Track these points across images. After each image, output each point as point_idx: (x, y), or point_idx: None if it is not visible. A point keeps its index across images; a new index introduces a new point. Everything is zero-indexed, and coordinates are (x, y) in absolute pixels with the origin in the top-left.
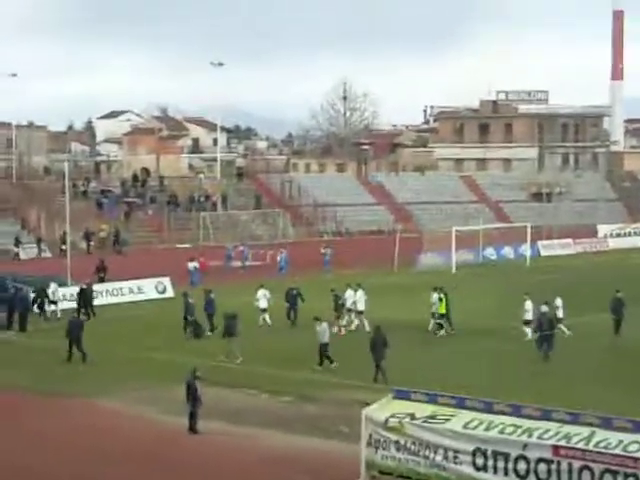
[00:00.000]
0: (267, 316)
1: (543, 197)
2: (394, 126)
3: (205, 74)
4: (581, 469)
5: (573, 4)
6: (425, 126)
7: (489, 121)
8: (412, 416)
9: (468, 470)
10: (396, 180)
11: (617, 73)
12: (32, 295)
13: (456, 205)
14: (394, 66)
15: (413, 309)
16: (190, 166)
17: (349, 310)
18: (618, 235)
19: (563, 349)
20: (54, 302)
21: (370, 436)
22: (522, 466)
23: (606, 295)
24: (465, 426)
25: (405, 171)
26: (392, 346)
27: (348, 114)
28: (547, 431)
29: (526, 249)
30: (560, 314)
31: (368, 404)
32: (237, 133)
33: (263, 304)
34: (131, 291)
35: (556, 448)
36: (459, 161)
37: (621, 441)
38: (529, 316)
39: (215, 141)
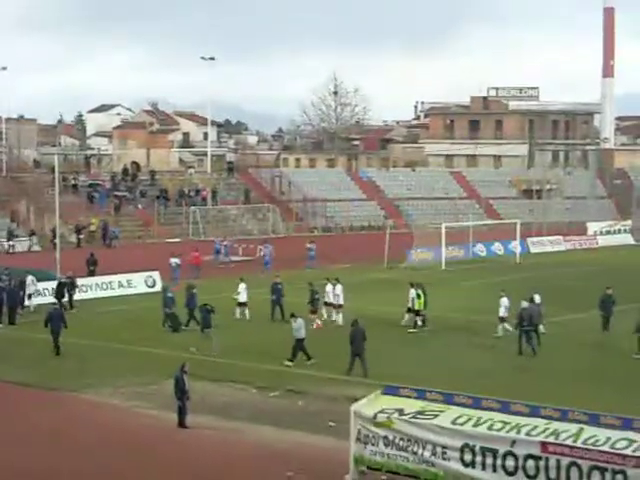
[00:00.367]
0: (247, 310)
1: (533, 194)
2: (385, 122)
3: (196, 69)
4: (569, 466)
5: (564, 1)
6: (416, 122)
7: (479, 117)
8: (401, 412)
9: (456, 466)
10: (386, 176)
11: (608, 70)
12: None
13: (446, 201)
14: (385, 63)
15: (401, 304)
16: (180, 160)
17: (327, 304)
18: (608, 232)
19: (549, 345)
20: (29, 296)
21: (359, 431)
22: (510, 462)
23: (595, 292)
24: (453, 422)
25: (395, 167)
26: (378, 341)
27: (339, 109)
28: (535, 427)
29: (516, 246)
30: (504, 313)
31: (357, 399)
32: (228, 128)
33: (243, 298)
34: (121, 285)
35: (544, 445)
36: (449, 157)
37: (609, 438)
38: (504, 312)
39: (205, 135)
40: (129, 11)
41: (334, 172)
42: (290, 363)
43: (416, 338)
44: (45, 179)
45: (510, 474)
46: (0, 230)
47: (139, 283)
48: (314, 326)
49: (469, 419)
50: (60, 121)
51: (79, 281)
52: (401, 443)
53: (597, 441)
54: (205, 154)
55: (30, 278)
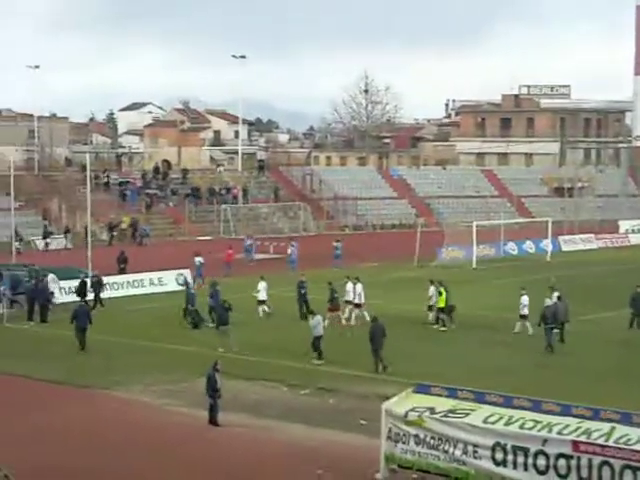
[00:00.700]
0: (266, 307)
1: (565, 192)
2: (416, 120)
3: (227, 67)
4: (601, 465)
5: None
6: (447, 120)
7: (511, 115)
8: (432, 410)
9: (487, 465)
10: (417, 174)
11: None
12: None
13: (477, 199)
14: (416, 61)
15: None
16: (211, 159)
17: (348, 303)
18: None
19: (577, 343)
20: (51, 294)
21: (390, 430)
22: (542, 461)
23: (626, 290)
24: (485, 421)
25: (426, 165)
26: (400, 338)
27: (370, 107)
28: (567, 426)
29: (547, 244)
30: (525, 311)
31: (388, 398)
32: (259, 126)
33: (262, 296)
34: (152, 283)
35: (576, 444)
36: (480, 155)
37: None
38: (525, 310)
39: (236, 134)
40: (161, 10)
41: (365, 170)
42: (319, 361)
43: (440, 335)
44: (77, 177)
45: (541, 473)
46: (33, 228)
47: (170, 281)
48: (343, 322)
49: (500, 418)
50: (92, 119)
51: (110, 279)
52: (432, 442)
53: (629, 440)
54: (236, 152)
55: (51, 276)
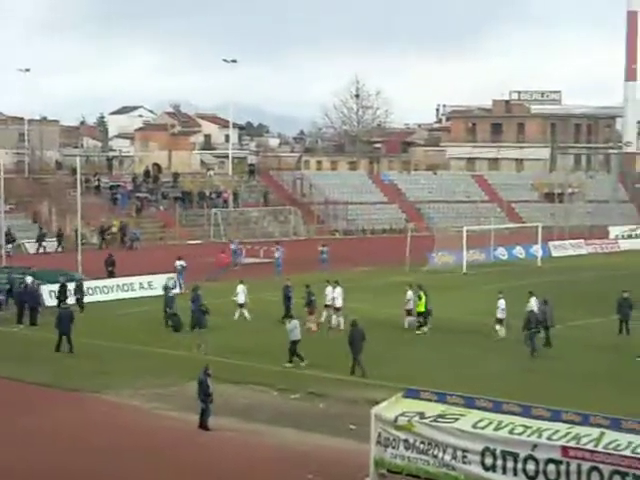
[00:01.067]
0: (245, 311)
1: (555, 197)
2: (406, 125)
3: (218, 71)
4: (590, 470)
5: (588, 5)
6: (437, 125)
7: (502, 121)
8: (421, 415)
9: (477, 470)
10: (408, 179)
11: (631, 74)
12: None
13: (468, 205)
14: (407, 66)
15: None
16: (202, 163)
17: (327, 306)
18: (629, 236)
19: (563, 348)
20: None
21: (379, 434)
22: (531, 467)
23: (615, 296)
24: (474, 425)
25: (417, 170)
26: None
27: (360, 112)
28: (556, 432)
29: (537, 249)
30: (500, 315)
31: (377, 402)
32: (249, 130)
33: (241, 299)
34: (141, 286)
35: (565, 449)
36: (471, 160)
37: (630, 442)
38: (501, 314)
39: (227, 138)
40: (151, 14)
41: (356, 175)
42: (290, 365)
43: (427, 339)
44: (67, 180)
45: (531, 478)
46: (23, 231)
47: (160, 285)
48: (312, 328)
49: (490, 423)
50: (82, 123)
51: (99, 282)
52: (422, 446)
53: (618, 446)
54: (226, 156)
55: (29, 279)
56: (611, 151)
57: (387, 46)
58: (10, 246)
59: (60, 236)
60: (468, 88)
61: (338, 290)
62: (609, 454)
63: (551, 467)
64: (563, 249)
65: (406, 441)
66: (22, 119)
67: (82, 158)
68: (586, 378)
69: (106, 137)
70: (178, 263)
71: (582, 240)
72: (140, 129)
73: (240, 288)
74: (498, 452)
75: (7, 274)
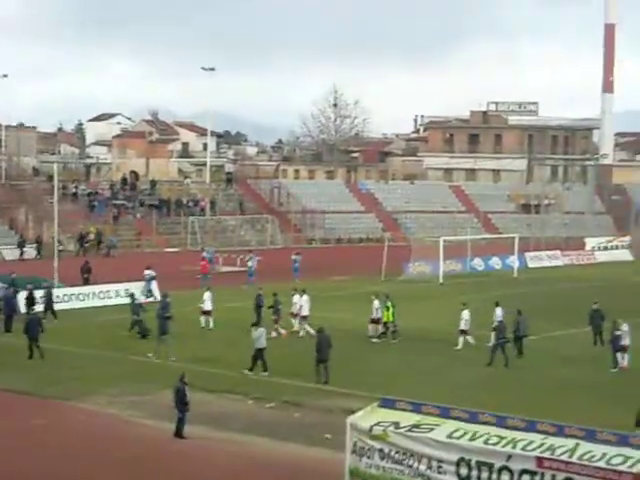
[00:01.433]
0: (211, 319)
1: (531, 209)
2: (384, 134)
3: (196, 79)
4: None
5: (565, 17)
6: (415, 135)
7: (479, 131)
8: (397, 425)
9: None
10: (385, 188)
11: (608, 86)
12: None
13: (445, 215)
14: (386, 76)
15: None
16: (180, 170)
17: (294, 315)
18: (605, 248)
19: (542, 360)
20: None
21: (354, 444)
22: (506, 477)
23: (590, 308)
24: (449, 436)
25: (394, 180)
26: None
27: (338, 121)
28: (531, 442)
29: (514, 260)
30: (465, 326)
31: (353, 412)
32: (227, 138)
33: (207, 306)
34: (117, 294)
35: (540, 460)
36: (448, 171)
37: (605, 454)
38: (465, 325)
39: (205, 146)
40: (130, 21)
41: (333, 184)
42: (250, 372)
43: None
44: (44, 187)
45: None
46: (1, 237)
47: (136, 293)
48: (283, 333)
49: (465, 433)
50: (60, 129)
51: (75, 289)
52: (397, 456)
53: (593, 457)
54: (204, 164)
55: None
56: (588, 163)
57: (366, 56)
58: None
59: (39, 243)
60: (446, 99)
61: (305, 298)
62: (584, 465)
63: (526, 478)
64: (539, 260)
65: (381, 451)
66: None
67: (59, 165)
68: (559, 389)
69: (83, 144)
70: (147, 272)
71: (558, 251)
72: (118, 136)
73: (206, 295)
74: (473, 462)
75: None
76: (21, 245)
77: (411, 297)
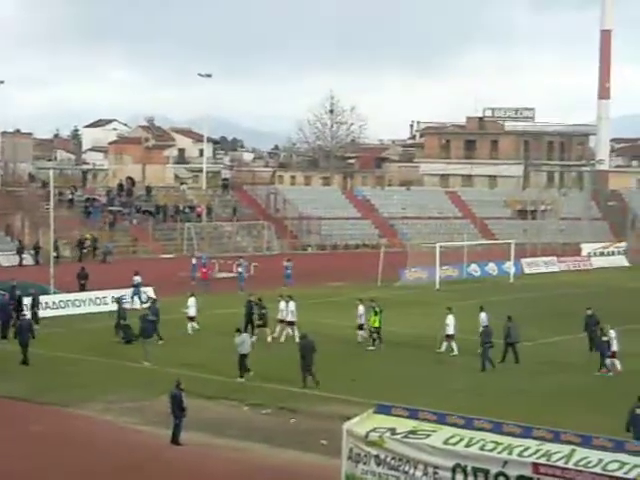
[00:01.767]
0: (195, 324)
1: (528, 214)
2: (380, 141)
3: (193, 86)
4: None
5: (562, 24)
6: (411, 141)
7: (475, 137)
8: (393, 431)
9: None
10: (381, 194)
11: (604, 92)
12: None
13: (441, 221)
14: (382, 83)
15: (388, 324)
16: (176, 176)
17: (280, 321)
18: (602, 254)
19: (537, 366)
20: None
21: (350, 450)
22: None
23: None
24: (445, 442)
25: (391, 186)
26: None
27: (335, 128)
28: (527, 448)
29: (510, 266)
30: (450, 331)
31: (349, 418)
32: (223, 144)
33: (192, 312)
34: (113, 300)
35: (536, 466)
36: (445, 177)
37: (601, 460)
38: (450, 330)
39: (201, 152)
40: (127, 28)
41: (329, 190)
42: (241, 379)
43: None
44: (40, 193)
45: None
46: None
47: (142, 298)
48: (269, 339)
49: (461, 439)
50: (56, 135)
51: (71, 295)
52: (393, 462)
53: (589, 463)
54: (200, 170)
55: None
56: (584, 169)
57: (362, 63)
58: None
59: (37, 249)
60: (442, 105)
61: (291, 305)
62: (580, 471)
63: None
64: (535, 266)
65: (377, 457)
66: None
67: (55, 171)
68: (554, 395)
69: (80, 150)
70: (135, 278)
71: (554, 257)
72: (114, 142)
73: (191, 301)
74: (469, 469)
75: None
76: (20, 251)
77: (407, 303)
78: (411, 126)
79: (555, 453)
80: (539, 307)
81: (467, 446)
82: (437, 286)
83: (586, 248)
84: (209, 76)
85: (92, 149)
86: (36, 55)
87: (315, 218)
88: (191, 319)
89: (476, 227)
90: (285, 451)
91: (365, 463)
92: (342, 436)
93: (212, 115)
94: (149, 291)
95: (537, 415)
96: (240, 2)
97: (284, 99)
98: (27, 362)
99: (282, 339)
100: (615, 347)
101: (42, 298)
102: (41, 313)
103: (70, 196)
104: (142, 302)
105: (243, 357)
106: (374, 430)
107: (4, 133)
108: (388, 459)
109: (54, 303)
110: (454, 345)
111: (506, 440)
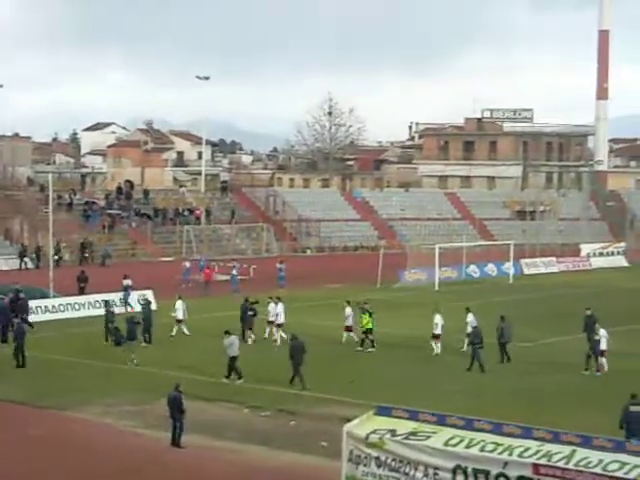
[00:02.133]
0: (184, 327)
1: (527, 215)
2: (379, 142)
3: (191, 88)
4: None
5: (562, 24)
6: (410, 143)
7: (474, 139)
8: (393, 432)
9: None
10: (380, 196)
11: (602, 92)
12: None
13: (440, 222)
14: (381, 84)
15: (384, 325)
16: (175, 179)
17: (270, 323)
18: (601, 254)
19: (535, 366)
20: None
21: (351, 452)
22: None
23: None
24: (446, 443)
25: (389, 187)
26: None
27: (333, 130)
28: (528, 449)
29: (509, 267)
30: (438, 331)
31: (349, 420)
32: (222, 147)
33: (180, 315)
34: (113, 303)
35: (536, 466)
36: (443, 178)
37: (601, 460)
38: (438, 330)
39: (200, 155)
40: (126, 31)
41: (328, 192)
42: (227, 380)
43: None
44: (39, 197)
45: None
46: None
47: (132, 302)
48: (249, 342)
49: (461, 440)
50: (55, 139)
51: (71, 299)
52: (393, 464)
53: (589, 463)
54: (199, 173)
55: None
56: (583, 169)
57: (361, 64)
58: None
59: (38, 253)
60: (441, 106)
61: (280, 307)
62: (580, 471)
63: None
64: (535, 267)
65: (378, 459)
66: None
67: (54, 175)
68: (554, 395)
69: (78, 153)
70: (125, 282)
71: (554, 258)
72: (113, 145)
73: (179, 304)
74: (469, 470)
75: None
76: (22, 255)
77: (406, 304)
78: (410, 127)
79: (555, 454)
80: (538, 308)
81: (467, 447)
82: (436, 287)
83: (585, 248)
84: (207, 78)
85: (91, 152)
86: (34, 56)
87: (314, 220)
88: (179, 322)
89: (475, 228)
90: (285, 453)
91: (365, 465)
92: (342, 438)
93: (210, 117)
94: (148, 294)
95: (536, 416)
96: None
97: (282, 101)
98: (22, 365)
99: (278, 341)
100: (604, 346)
101: (42, 302)
102: (40, 317)
103: (69, 200)
104: (131, 306)
105: (233, 359)
106: (374, 432)
107: (2, 137)
108: (388, 461)
109: (53, 307)
110: (437, 344)
111: (506, 441)
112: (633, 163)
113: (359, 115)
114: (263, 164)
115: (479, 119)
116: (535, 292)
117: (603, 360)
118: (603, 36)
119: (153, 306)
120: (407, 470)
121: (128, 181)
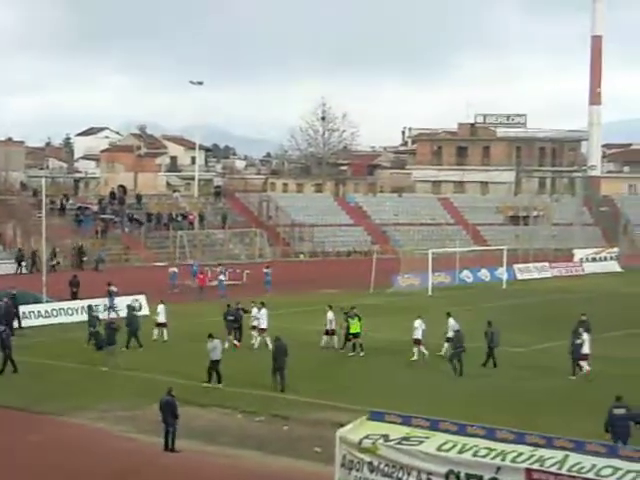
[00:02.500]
0: (165, 331)
1: (520, 220)
2: (372, 147)
3: (185, 93)
4: None
5: (554, 31)
6: (403, 148)
7: (467, 144)
8: (386, 437)
9: None
10: (374, 201)
11: (595, 98)
12: None
13: (433, 227)
14: (375, 90)
15: (376, 330)
16: (168, 184)
17: (253, 327)
18: (594, 259)
19: (527, 372)
20: None
21: (344, 457)
22: None
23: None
24: (439, 448)
25: (383, 192)
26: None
27: (327, 135)
28: (520, 454)
29: (502, 272)
30: (419, 335)
31: (342, 425)
32: (215, 152)
33: (161, 319)
34: (105, 308)
35: (529, 471)
36: (437, 183)
37: (594, 465)
38: (418, 335)
39: (193, 160)
40: (120, 36)
41: (321, 197)
42: (209, 384)
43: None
44: (32, 202)
45: None
46: None
47: (124, 307)
48: (235, 345)
49: (454, 445)
50: (48, 144)
51: (64, 304)
52: (386, 469)
53: (582, 468)
54: (192, 178)
55: None
56: (576, 174)
57: (354, 70)
58: None
59: (34, 258)
60: (434, 111)
61: (263, 312)
62: (573, 477)
63: None
64: (528, 272)
65: (370, 464)
66: None
67: (47, 179)
68: (546, 400)
69: (72, 158)
70: (110, 288)
71: (547, 263)
72: (106, 150)
73: (160, 308)
74: (462, 475)
75: None
76: (19, 260)
77: (399, 309)
78: (403, 133)
79: (548, 459)
80: (531, 313)
81: (460, 452)
82: (430, 292)
83: (578, 254)
84: (201, 84)
85: (84, 157)
86: (27, 61)
87: (307, 225)
88: (160, 325)
89: (468, 233)
90: (278, 458)
91: (358, 470)
92: (335, 443)
93: (204, 123)
94: (141, 299)
95: (529, 421)
96: (231, 9)
97: (276, 107)
98: (16, 370)
99: (256, 345)
100: (587, 350)
101: (34, 306)
102: (33, 322)
103: (62, 204)
104: (117, 312)
105: (215, 363)
106: (367, 437)
107: None
108: (381, 466)
109: (46, 312)
110: (418, 350)
111: (499, 446)
112: (626, 168)
113: (352, 120)
114: (256, 169)
115: (472, 124)
116: (528, 297)
117: (584, 363)
118: (596, 41)
119: (145, 311)
120: (400, 475)
121: (121, 186)
